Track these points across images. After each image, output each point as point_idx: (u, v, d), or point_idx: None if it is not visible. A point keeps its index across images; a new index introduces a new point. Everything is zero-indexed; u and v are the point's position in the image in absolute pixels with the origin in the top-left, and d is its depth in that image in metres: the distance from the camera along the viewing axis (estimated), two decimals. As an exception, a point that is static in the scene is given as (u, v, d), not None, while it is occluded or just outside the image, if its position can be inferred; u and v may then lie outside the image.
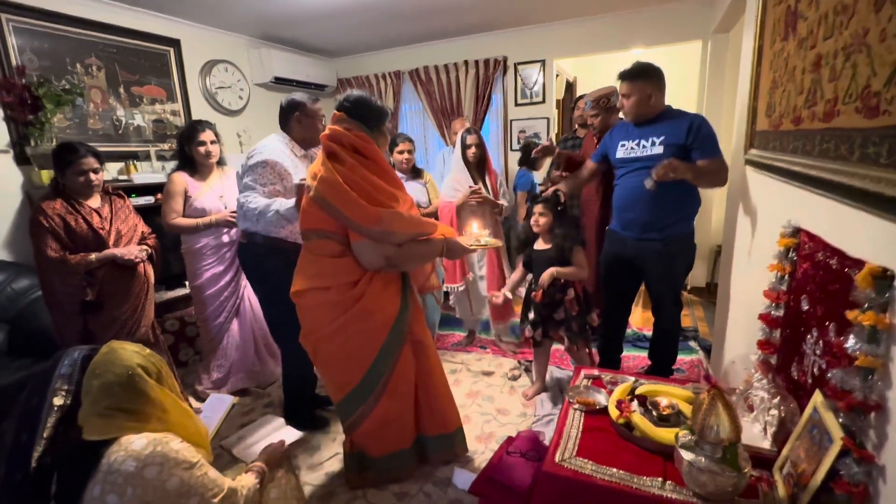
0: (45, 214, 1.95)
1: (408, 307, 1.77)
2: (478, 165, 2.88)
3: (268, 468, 1.40)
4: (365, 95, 1.72)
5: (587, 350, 2.31)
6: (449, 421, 1.94)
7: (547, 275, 2.14)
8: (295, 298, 1.71)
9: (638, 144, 2.18)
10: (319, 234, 1.64)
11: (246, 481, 1.26)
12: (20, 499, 1.23)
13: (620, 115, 2.38)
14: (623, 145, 2.25)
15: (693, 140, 2.01)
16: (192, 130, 2.38)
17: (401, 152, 2.84)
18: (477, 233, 2.01)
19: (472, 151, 2.81)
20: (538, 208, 2.21)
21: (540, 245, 2.27)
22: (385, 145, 1.82)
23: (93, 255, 2.01)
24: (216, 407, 1.81)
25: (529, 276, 2.35)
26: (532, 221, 2.24)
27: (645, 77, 2.11)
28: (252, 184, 1.99)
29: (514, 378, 2.67)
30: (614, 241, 2.30)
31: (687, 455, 1.05)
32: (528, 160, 3.92)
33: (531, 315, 2.28)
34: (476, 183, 2.84)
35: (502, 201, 2.94)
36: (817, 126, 1.10)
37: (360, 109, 1.68)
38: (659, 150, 2.10)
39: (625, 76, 2.14)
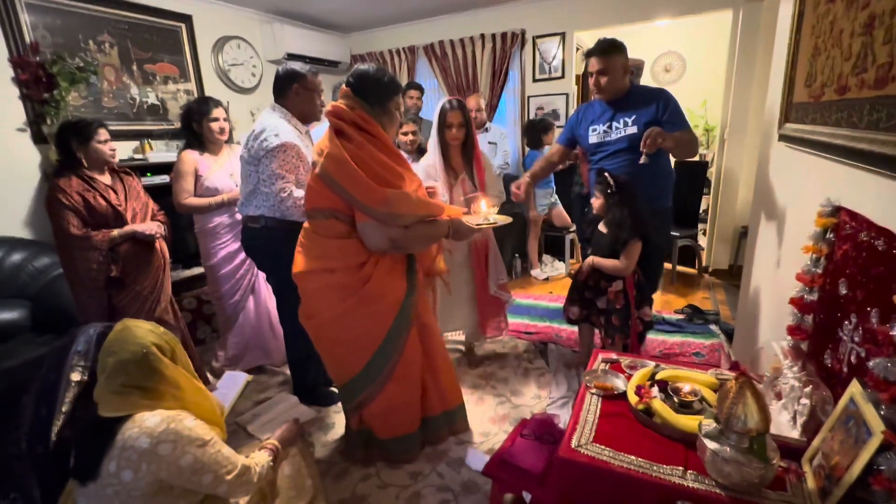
0: (63, 192, 1.96)
1: (414, 290, 1.72)
2: (461, 150, 2.22)
3: (282, 446, 1.41)
4: (370, 70, 1.62)
5: (624, 345, 2.16)
6: (451, 397, 1.94)
7: (587, 264, 2.11)
8: (297, 280, 1.67)
9: (610, 127, 2.14)
10: (325, 213, 1.59)
11: (259, 459, 1.26)
12: (41, 471, 1.26)
13: (595, 95, 2.23)
14: (594, 129, 2.19)
15: (663, 115, 2.03)
16: (205, 106, 2.35)
17: (405, 133, 2.71)
18: (486, 210, 1.90)
19: (452, 134, 2.14)
20: (596, 188, 2.10)
21: (602, 226, 2.15)
22: (391, 126, 1.70)
23: (115, 232, 2.04)
24: (231, 384, 1.82)
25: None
26: (591, 202, 2.15)
27: (618, 51, 2.06)
28: (280, 171, 1.89)
29: (529, 360, 2.64)
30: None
31: (711, 444, 1.00)
32: (534, 140, 3.81)
33: (575, 293, 2.25)
34: (459, 174, 2.23)
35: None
36: (866, 94, 1.01)
37: (362, 85, 1.60)
38: (633, 129, 2.09)
39: (600, 51, 2.06)
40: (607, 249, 2.06)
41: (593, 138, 2.19)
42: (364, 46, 4.72)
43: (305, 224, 1.69)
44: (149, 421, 1.04)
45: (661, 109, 2.04)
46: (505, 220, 1.88)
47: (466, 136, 2.17)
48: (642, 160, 1.88)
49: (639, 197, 2.01)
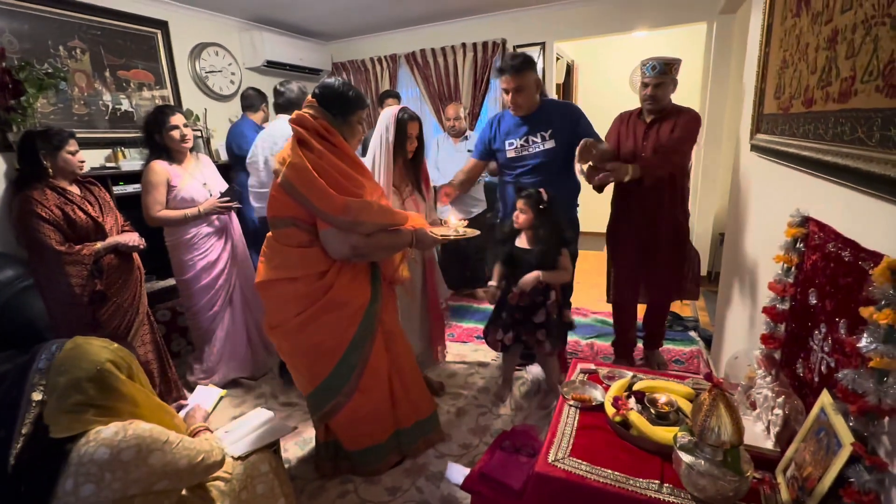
0: (41, 205, 1.88)
1: (378, 298, 1.73)
2: (409, 164, 2.08)
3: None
4: (335, 83, 1.65)
5: (556, 358, 2.17)
6: (423, 407, 1.94)
7: (532, 278, 1.97)
8: (260, 289, 1.67)
9: (527, 141, 2.17)
10: (286, 221, 1.60)
11: (211, 437, 1.27)
12: None
13: (511, 109, 2.23)
14: (511, 144, 2.20)
15: (578, 127, 2.12)
16: (161, 115, 2.26)
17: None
18: (455, 223, 1.91)
19: (412, 146, 2.01)
20: (519, 203, 2.02)
21: (522, 243, 2.07)
22: (352, 138, 1.71)
23: (98, 244, 1.99)
24: (203, 399, 1.77)
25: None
26: (514, 216, 2.06)
27: (531, 67, 2.09)
28: None
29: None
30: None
31: (686, 457, 0.99)
32: None
33: (503, 317, 2.13)
34: (405, 189, 2.11)
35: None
36: (831, 107, 1.03)
37: (326, 97, 1.62)
38: (551, 143, 2.14)
39: (515, 69, 2.05)
40: (535, 263, 2.00)
41: (511, 153, 2.20)
42: (346, 54, 4.70)
43: (269, 234, 1.68)
44: (104, 433, 1.01)
45: (574, 123, 2.11)
46: (473, 232, 1.87)
47: (419, 148, 2.07)
48: (580, 169, 2.01)
49: (559, 210, 2.04)
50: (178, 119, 2.28)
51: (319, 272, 1.62)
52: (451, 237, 1.84)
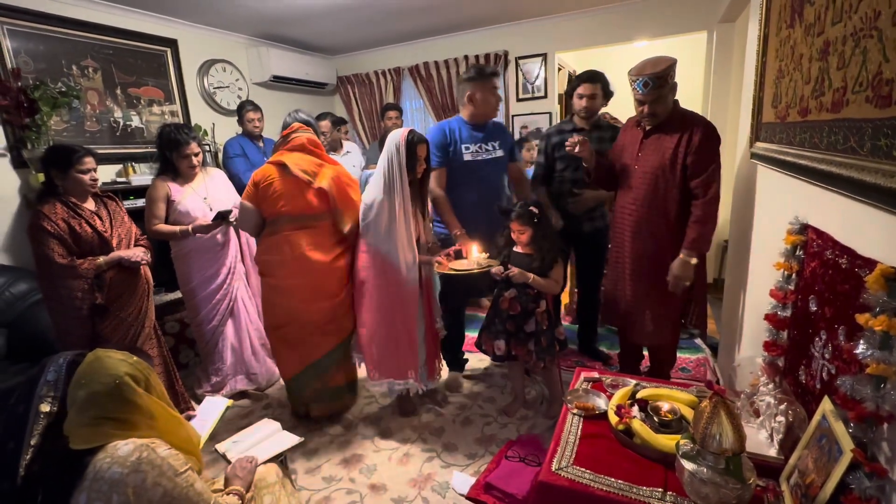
0: (48, 219, 1.92)
1: None
2: (418, 184, 2.13)
3: (244, 488, 1.37)
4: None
5: (556, 367, 2.16)
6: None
7: (521, 274, 1.95)
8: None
9: (481, 148, 2.35)
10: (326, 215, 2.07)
11: (229, 501, 1.24)
12: (8, 509, 1.21)
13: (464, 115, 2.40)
14: (468, 148, 2.34)
15: (514, 142, 2.53)
16: (176, 143, 2.32)
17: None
18: (477, 256, 2.05)
19: (421, 168, 2.08)
20: (514, 225, 2.00)
21: (519, 248, 2.09)
22: None
23: (101, 259, 2.01)
24: (210, 411, 1.78)
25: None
26: (514, 238, 2.05)
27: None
28: None
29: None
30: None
31: (688, 465, 1.00)
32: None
33: (496, 324, 2.12)
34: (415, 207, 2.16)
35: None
36: (825, 117, 1.04)
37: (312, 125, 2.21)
38: (500, 153, 2.38)
39: (495, 74, 2.31)
40: (532, 268, 2.00)
41: (468, 156, 2.33)
42: (350, 68, 4.78)
43: (306, 230, 2.07)
44: (121, 450, 1.02)
45: (512, 140, 2.48)
46: (494, 264, 2.04)
47: (425, 169, 2.13)
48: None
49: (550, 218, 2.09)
50: (192, 148, 2.35)
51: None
52: (475, 271, 1.98)
